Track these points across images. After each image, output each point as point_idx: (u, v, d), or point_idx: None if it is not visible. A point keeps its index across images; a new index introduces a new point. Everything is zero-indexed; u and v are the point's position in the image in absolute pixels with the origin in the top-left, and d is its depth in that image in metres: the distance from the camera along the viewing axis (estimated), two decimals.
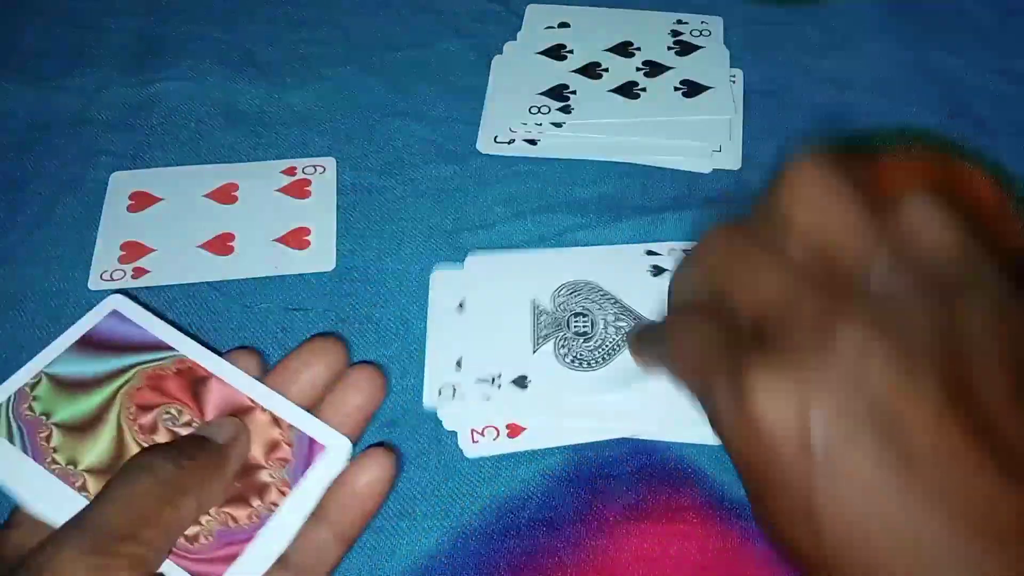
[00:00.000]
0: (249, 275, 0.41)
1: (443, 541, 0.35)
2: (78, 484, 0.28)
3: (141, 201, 0.43)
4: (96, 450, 0.29)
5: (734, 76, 0.48)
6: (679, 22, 0.50)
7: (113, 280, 0.40)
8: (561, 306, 0.39)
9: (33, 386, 0.30)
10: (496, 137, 0.46)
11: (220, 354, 0.31)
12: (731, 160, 0.45)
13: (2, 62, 0.49)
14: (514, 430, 0.36)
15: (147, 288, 0.40)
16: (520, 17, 0.51)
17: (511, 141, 0.45)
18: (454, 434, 0.37)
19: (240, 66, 0.49)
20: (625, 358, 0.37)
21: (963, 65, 0.49)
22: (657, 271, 0.40)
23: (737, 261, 0.24)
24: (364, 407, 0.32)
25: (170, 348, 0.31)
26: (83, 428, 0.29)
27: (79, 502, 0.27)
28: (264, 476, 0.29)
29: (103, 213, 0.43)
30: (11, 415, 0.29)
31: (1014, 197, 0.44)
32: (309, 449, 0.29)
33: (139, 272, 0.41)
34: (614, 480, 0.36)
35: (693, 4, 0.51)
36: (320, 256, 0.42)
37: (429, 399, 0.37)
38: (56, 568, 0.24)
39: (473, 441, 0.36)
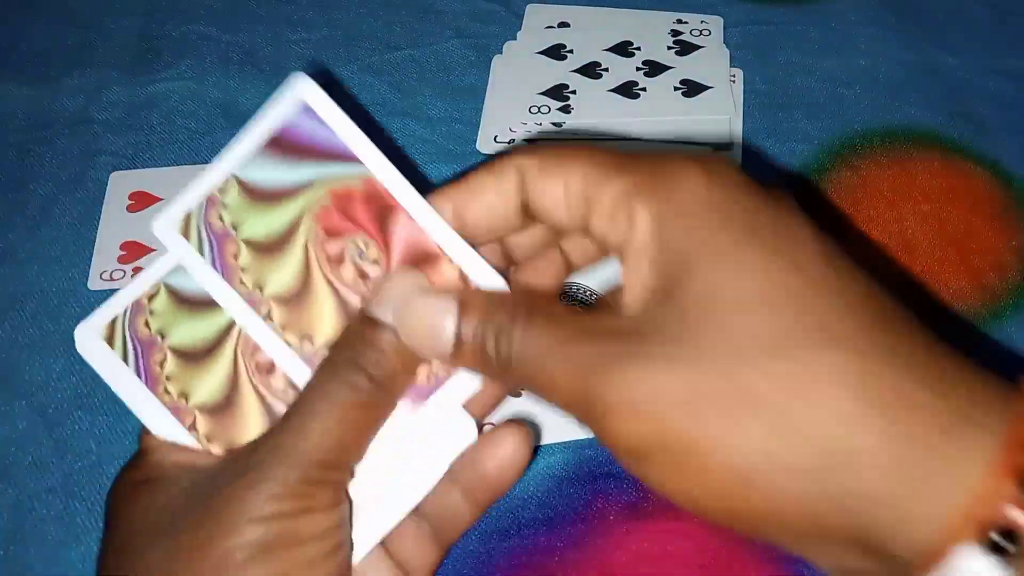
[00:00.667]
0: None
1: None
2: (264, 313, 0.26)
3: (141, 201, 0.43)
4: (282, 276, 0.26)
5: (734, 76, 0.48)
6: (679, 22, 0.50)
7: (113, 280, 0.41)
8: None
9: (223, 191, 0.27)
10: (496, 137, 0.46)
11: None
12: (731, 160, 0.45)
13: (2, 62, 0.49)
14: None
15: None
16: (520, 17, 0.51)
17: (511, 141, 0.45)
18: None
19: (240, 66, 0.49)
20: None
21: (963, 65, 0.49)
22: None
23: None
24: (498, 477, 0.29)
25: (359, 161, 0.27)
26: (271, 248, 0.26)
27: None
28: None
29: (103, 213, 0.43)
30: (202, 226, 0.27)
31: (1013, 197, 0.45)
32: None
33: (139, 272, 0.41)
34: (614, 479, 0.36)
35: (693, 4, 0.51)
36: None
37: None
38: (261, 501, 0.23)
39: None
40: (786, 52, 0.50)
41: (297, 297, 0.26)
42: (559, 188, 0.25)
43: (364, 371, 0.25)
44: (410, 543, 0.28)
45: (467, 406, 0.27)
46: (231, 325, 0.27)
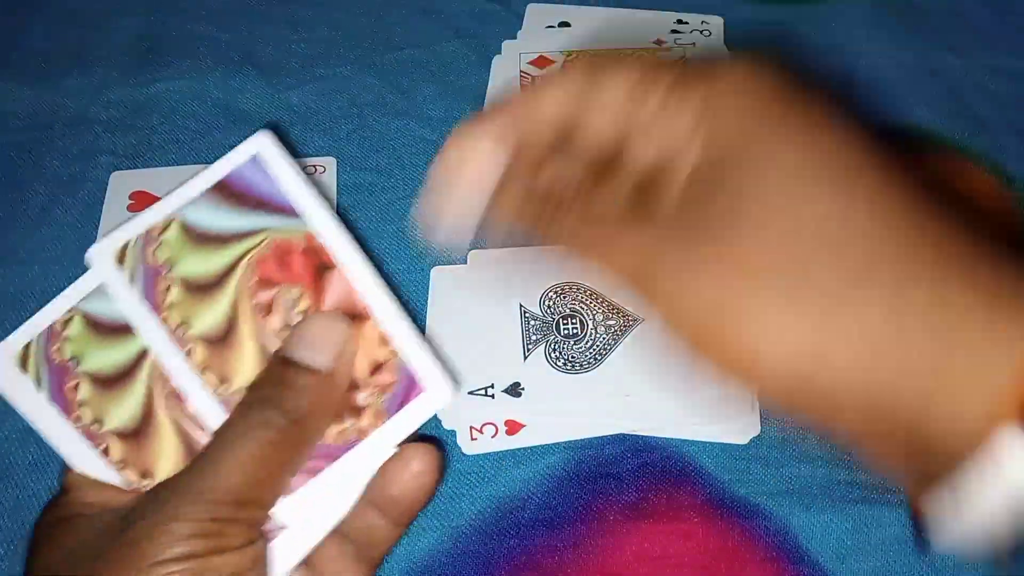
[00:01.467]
0: None
1: (443, 540, 0.35)
2: (186, 349, 0.27)
3: (141, 201, 0.43)
4: (209, 317, 0.27)
5: None
6: (679, 22, 0.50)
7: None
8: (549, 309, 0.39)
9: (163, 230, 0.28)
10: None
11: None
12: None
13: (3, 62, 0.49)
14: (512, 427, 0.36)
15: None
16: (520, 17, 0.51)
17: None
18: (453, 432, 0.37)
19: (240, 66, 0.49)
20: (617, 361, 0.37)
21: (963, 65, 0.49)
22: None
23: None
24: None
25: (302, 217, 0.28)
26: (203, 289, 0.27)
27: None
28: (360, 398, 0.27)
29: (103, 213, 0.43)
30: (137, 259, 0.27)
31: (1014, 196, 0.44)
32: (409, 384, 0.27)
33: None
34: (614, 479, 0.36)
35: (693, 4, 0.51)
36: None
37: None
38: (170, 542, 0.23)
39: (472, 439, 0.36)
40: (786, 52, 0.49)
41: (221, 340, 0.27)
42: (614, 93, 0.24)
43: (280, 409, 0.25)
44: (336, 565, 0.28)
45: None
46: (145, 351, 0.27)
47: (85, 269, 0.41)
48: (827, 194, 0.22)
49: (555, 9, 0.51)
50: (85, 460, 0.27)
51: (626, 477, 0.36)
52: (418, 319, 0.40)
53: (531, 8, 0.51)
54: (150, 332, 0.27)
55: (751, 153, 0.23)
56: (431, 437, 0.33)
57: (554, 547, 0.34)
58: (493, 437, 0.36)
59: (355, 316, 0.27)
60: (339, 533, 0.28)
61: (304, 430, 0.26)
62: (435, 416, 0.37)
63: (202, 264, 0.27)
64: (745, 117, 0.23)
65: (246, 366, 0.27)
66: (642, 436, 0.37)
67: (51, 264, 0.42)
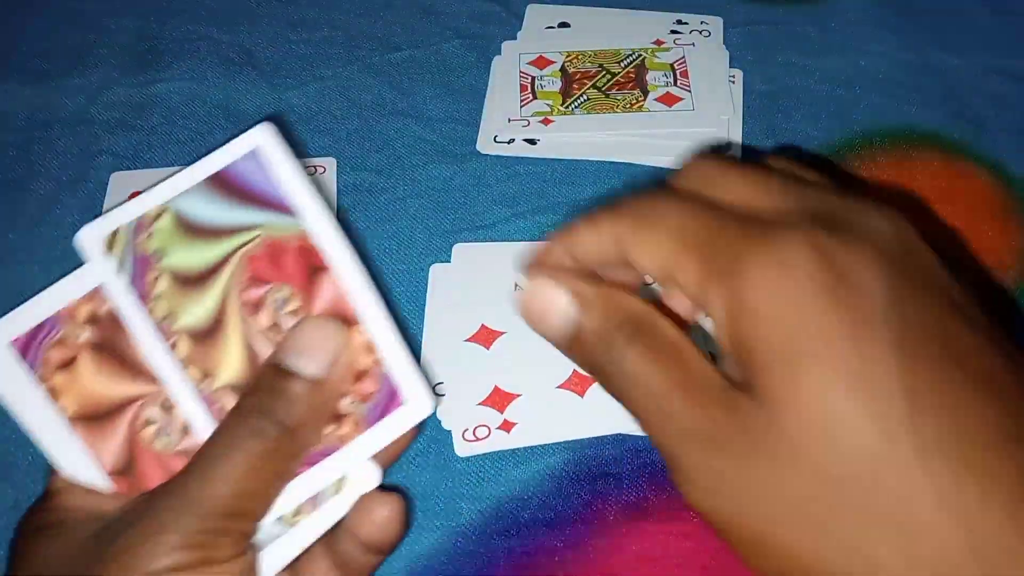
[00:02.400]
0: None
1: (443, 541, 0.35)
2: (171, 342, 0.26)
3: None
4: (196, 311, 0.27)
5: (734, 76, 0.48)
6: (679, 22, 0.50)
7: None
8: None
9: (155, 218, 0.27)
10: (496, 137, 0.46)
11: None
12: None
13: (2, 62, 0.49)
14: (506, 425, 0.36)
15: None
16: (520, 18, 0.51)
17: (511, 141, 0.45)
18: (452, 433, 0.37)
19: (240, 66, 0.49)
20: None
21: (963, 65, 0.49)
22: None
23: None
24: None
25: (298, 216, 0.27)
26: (192, 282, 0.27)
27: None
28: (343, 405, 0.27)
29: (103, 213, 0.43)
30: (128, 245, 0.27)
31: (1013, 197, 0.44)
32: (390, 397, 0.27)
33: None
34: (614, 479, 0.36)
35: (693, 4, 0.51)
36: None
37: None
38: (157, 553, 0.23)
39: (465, 440, 0.36)
40: (786, 52, 0.49)
41: (207, 334, 0.27)
42: (646, 259, 0.24)
43: (272, 419, 0.25)
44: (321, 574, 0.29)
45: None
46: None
47: None
48: (867, 427, 0.20)
49: (555, 9, 0.51)
50: (74, 464, 0.26)
51: (626, 477, 0.36)
52: (417, 318, 0.40)
53: (531, 8, 0.51)
54: (136, 321, 0.27)
55: (787, 355, 0.21)
56: (395, 488, 0.33)
57: (554, 547, 0.34)
58: (486, 437, 0.36)
59: (344, 321, 0.27)
60: (327, 545, 0.28)
61: (296, 440, 0.26)
62: (434, 416, 0.37)
63: (193, 256, 0.27)
64: (766, 337, 0.21)
65: (231, 363, 0.27)
66: (642, 436, 0.37)
67: (51, 264, 0.42)
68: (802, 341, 0.21)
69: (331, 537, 0.28)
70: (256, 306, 0.27)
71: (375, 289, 0.27)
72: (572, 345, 0.25)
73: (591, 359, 0.25)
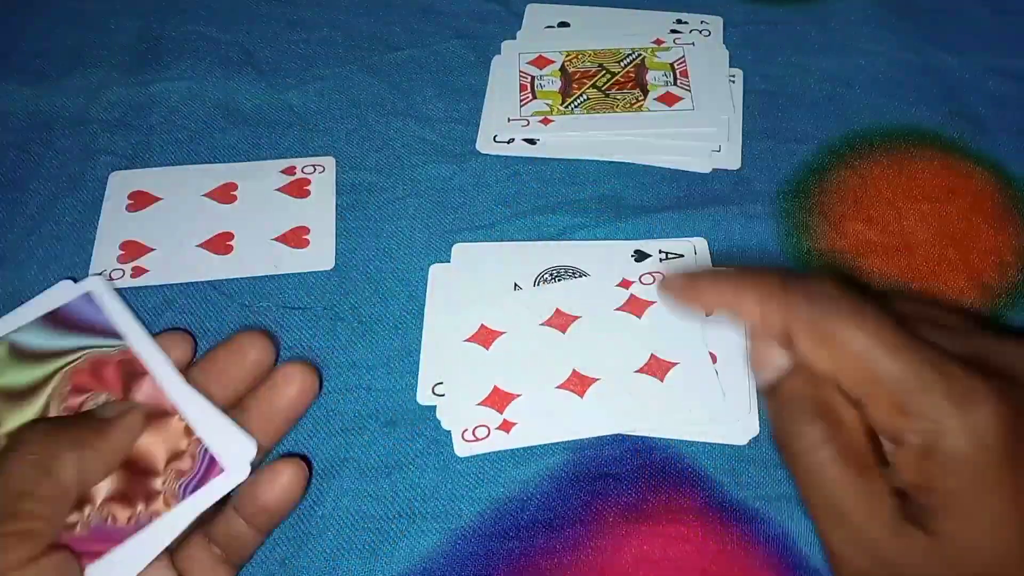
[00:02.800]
0: (248, 274, 0.41)
1: (442, 542, 0.35)
2: None
3: (140, 200, 0.43)
4: (20, 419, 0.30)
5: (734, 76, 0.48)
6: (679, 22, 0.50)
7: (112, 279, 0.40)
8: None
9: None
10: (495, 137, 0.46)
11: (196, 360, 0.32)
12: (731, 160, 0.45)
13: (2, 62, 0.49)
14: (506, 425, 0.36)
15: (146, 287, 0.40)
16: (520, 17, 0.51)
17: (510, 141, 0.45)
18: (451, 433, 0.36)
19: (240, 66, 0.49)
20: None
21: (963, 64, 0.49)
22: (640, 256, 0.40)
23: None
24: (289, 409, 0.32)
25: (122, 338, 0.32)
26: (18, 395, 0.30)
27: None
28: (157, 483, 0.29)
29: (102, 212, 0.43)
30: None
31: (1013, 195, 0.44)
32: (208, 467, 0.30)
33: (138, 271, 0.41)
34: (614, 480, 0.36)
35: (693, 4, 0.51)
36: (319, 255, 0.42)
37: (423, 395, 0.37)
38: None
39: (464, 440, 0.36)
40: (786, 52, 0.49)
41: None
42: (826, 364, 0.28)
43: (40, 427, 0.28)
44: (202, 566, 0.31)
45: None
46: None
47: (84, 268, 0.41)
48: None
49: (555, 9, 0.51)
50: None
51: (625, 478, 0.36)
52: (416, 317, 0.40)
53: (531, 8, 0.51)
54: None
55: (968, 508, 0.26)
56: (300, 455, 0.34)
57: (553, 549, 0.34)
58: (486, 437, 0.36)
59: (162, 413, 0.30)
60: (205, 536, 0.31)
61: (64, 444, 0.27)
62: (434, 417, 0.37)
63: (22, 376, 0.31)
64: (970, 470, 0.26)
65: None
66: (641, 436, 0.37)
67: (50, 263, 0.42)
68: (984, 498, 0.26)
69: (211, 523, 0.31)
70: (75, 411, 0.30)
71: (190, 386, 0.31)
72: (771, 392, 0.29)
73: (779, 417, 0.28)
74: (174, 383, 0.31)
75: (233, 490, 0.30)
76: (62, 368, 0.31)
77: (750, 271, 0.30)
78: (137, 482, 0.29)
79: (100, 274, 0.41)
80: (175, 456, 0.30)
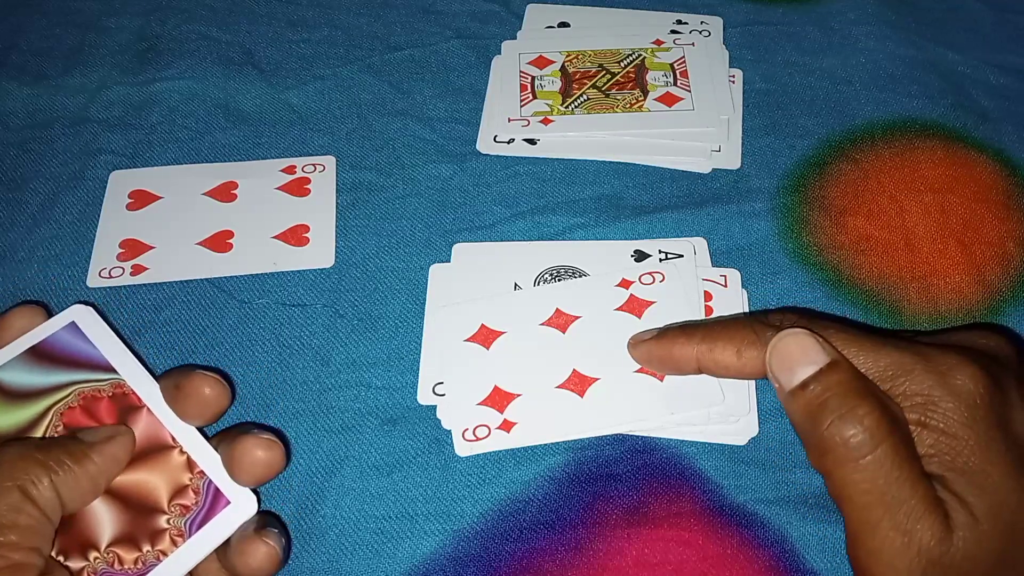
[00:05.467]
0: (248, 272, 0.41)
1: (444, 543, 0.34)
2: None
3: (140, 199, 0.43)
4: None
5: (733, 76, 0.48)
6: (679, 22, 0.50)
7: (112, 277, 0.40)
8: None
9: None
10: (496, 137, 0.46)
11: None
12: (730, 160, 0.45)
13: (2, 62, 0.49)
14: (506, 425, 0.36)
15: (146, 285, 0.40)
16: (520, 18, 0.51)
17: (510, 141, 0.45)
18: (452, 433, 0.36)
19: (240, 66, 0.49)
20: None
21: (963, 60, 0.49)
22: (640, 256, 0.40)
23: None
24: (268, 465, 0.30)
25: (114, 370, 0.31)
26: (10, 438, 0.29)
27: None
28: (161, 522, 0.28)
29: (102, 211, 0.43)
30: None
31: (1016, 185, 0.44)
32: (214, 499, 0.29)
33: (138, 269, 0.41)
34: (615, 480, 0.35)
35: (693, 4, 0.51)
36: (319, 253, 0.42)
37: (424, 395, 0.37)
38: None
39: (465, 439, 0.36)
40: (786, 52, 0.50)
41: None
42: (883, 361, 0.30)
43: (18, 447, 0.27)
44: None
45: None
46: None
47: (84, 267, 0.41)
48: None
49: (555, 9, 0.51)
50: None
51: (626, 478, 0.35)
52: (416, 316, 0.40)
53: (531, 8, 0.51)
54: None
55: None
56: (274, 515, 0.34)
57: (555, 550, 0.34)
58: (487, 437, 0.36)
59: (161, 447, 0.30)
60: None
61: (41, 466, 0.27)
62: (434, 416, 0.37)
63: (11, 418, 0.29)
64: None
65: None
66: (641, 436, 0.36)
67: (50, 262, 0.41)
68: (986, 455, 0.27)
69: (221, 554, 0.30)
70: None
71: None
72: (796, 393, 0.29)
73: (813, 412, 0.29)
74: (169, 416, 0.30)
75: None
76: (52, 407, 0.30)
77: (718, 325, 0.32)
78: (141, 521, 0.28)
79: (101, 272, 0.40)
80: (178, 491, 0.29)
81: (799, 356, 0.29)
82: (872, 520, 0.27)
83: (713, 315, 0.38)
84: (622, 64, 0.48)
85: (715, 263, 0.41)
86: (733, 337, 0.31)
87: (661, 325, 0.36)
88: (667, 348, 0.33)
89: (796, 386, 0.29)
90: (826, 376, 0.29)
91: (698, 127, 0.45)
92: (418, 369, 0.38)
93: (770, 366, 0.30)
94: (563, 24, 0.51)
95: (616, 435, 0.36)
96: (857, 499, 0.27)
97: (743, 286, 0.40)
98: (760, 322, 0.31)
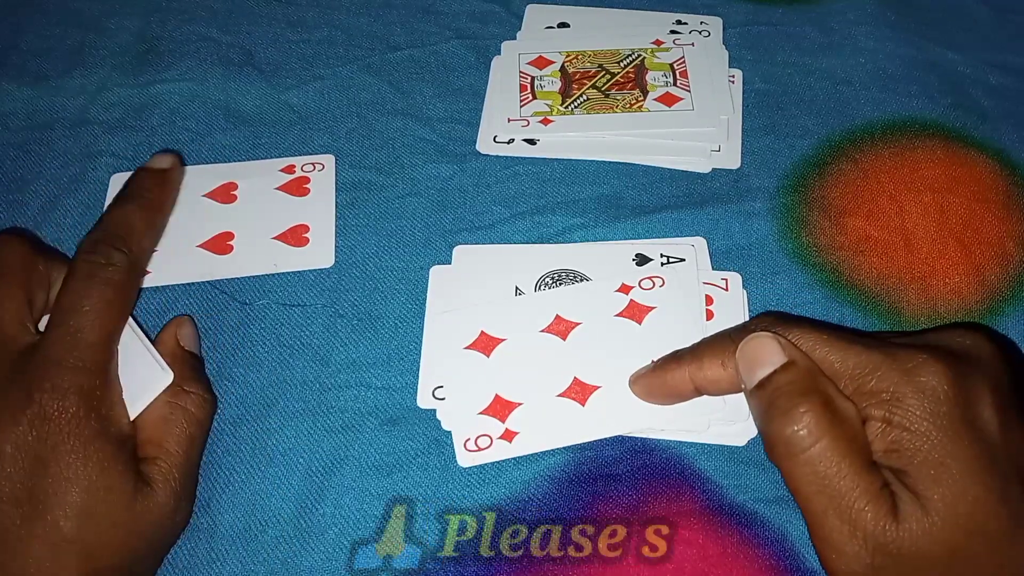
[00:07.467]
0: (248, 273, 0.41)
1: (444, 543, 0.35)
2: None
3: None
4: None
5: (733, 76, 0.48)
6: (678, 22, 0.50)
7: None
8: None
9: None
10: (495, 137, 0.46)
11: None
12: (730, 159, 0.45)
13: (2, 62, 0.49)
14: (508, 435, 0.36)
15: (147, 289, 0.40)
16: (519, 18, 0.51)
17: (510, 141, 0.45)
18: (452, 435, 0.36)
19: (240, 66, 0.49)
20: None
21: (963, 60, 0.49)
22: (642, 260, 0.40)
23: None
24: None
25: None
26: None
27: None
28: None
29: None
30: None
31: (1016, 184, 0.44)
32: None
33: None
34: (614, 480, 0.36)
35: (693, 4, 0.51)
36: (319, 253, 0.42)
37: (424, 399, 0.37)
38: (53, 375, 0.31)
39: (467, 450, 0.36)
40: (785, 52, 0.50)
41: None
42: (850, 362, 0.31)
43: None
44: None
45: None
46: None
47: None
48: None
49: (554, 9, 0.51)
50: None
51: (625, 478, 0.36)
52: (416, 317, 0.40)
53: (530, 8, 0.51)
54: None
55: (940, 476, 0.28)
56: None
57: (555, 551, 0.34)
58: (488, 447, 0.35)
59: None
60: None
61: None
62: (434, 417, 0.37)
63: None
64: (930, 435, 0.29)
65: None
66: (641, 437, 0.37)
67: None
68: (950, 448, 0.28)
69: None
70: None
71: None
72: (754, 391, 0.31)
73: (764, 409, 0.30)
74: None
75: None
76: None
77: (703, 343, 0.34)
78: None
79: None
80: None
81: (761, 357, 0.31)
82: (818, 510, 0.28)
83: (714, 320, 0.38)
84: (622, 64, 0.48)
85: (715, 263, 0.41)
86: (716, 351, 0.32)
87: (662, 329, 0.36)
88: (661, 377, 0.34)
89: (754, 385, 0.30)
90: (779, 375, 0.30)
91: (698, 127, 0.45)
92: (418, 369, 0.38)
93: (738, 368, 0.31)
94: (563, 24, 0.51)
95: (616, 435, 0.36)
96: (803, 490, 0.29)
97: (743, 287, 0.40)
98: (741, 330, 0.32)
